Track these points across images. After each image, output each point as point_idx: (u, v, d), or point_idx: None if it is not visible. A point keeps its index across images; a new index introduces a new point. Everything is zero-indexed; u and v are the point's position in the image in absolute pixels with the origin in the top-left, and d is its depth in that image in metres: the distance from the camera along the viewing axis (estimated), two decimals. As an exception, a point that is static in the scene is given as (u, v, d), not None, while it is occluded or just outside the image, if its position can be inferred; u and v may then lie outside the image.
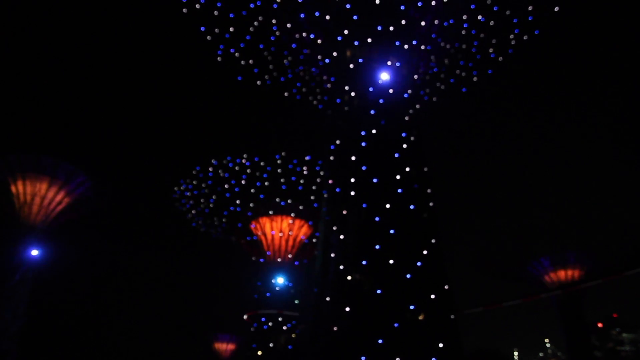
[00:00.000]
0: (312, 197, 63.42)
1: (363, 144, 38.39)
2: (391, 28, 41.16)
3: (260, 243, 67.48)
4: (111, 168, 73.35)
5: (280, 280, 65.86)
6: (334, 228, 37.50)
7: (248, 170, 64.22)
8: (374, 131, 38.61)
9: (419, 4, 41.77)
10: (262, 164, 63.85)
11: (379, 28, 40.98)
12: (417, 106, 41.91)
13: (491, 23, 46.08)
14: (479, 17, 45.29)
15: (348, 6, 41.34)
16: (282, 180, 64.04)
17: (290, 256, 67.30)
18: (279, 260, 66.79)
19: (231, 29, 46.34)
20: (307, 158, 63.93)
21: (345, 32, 41.66)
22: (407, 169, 37.93)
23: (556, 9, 46.38)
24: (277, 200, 65.19)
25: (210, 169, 65.83)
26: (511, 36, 47.80)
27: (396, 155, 38.10)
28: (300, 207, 65.70)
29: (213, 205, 68.77)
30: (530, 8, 45.66)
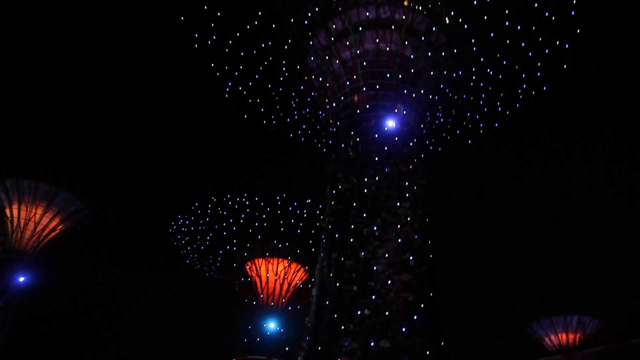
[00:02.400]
0: (310, 242, 62.19)
1: (365, 190, 37.64)
2: (400, 76, 41.11)
3: (254, 285, 65.97)
4: (110, 197, 72.53)
5: (271, 325, 63.95)
6: (331, 275, 36.35)
7: (247, 210, 63.33)
8: (376, 178, 37.92)
9: (429, 53, 41.82)
10: (261, 204, 63.02)
11: (388, 75, 40.92)
12: (422, 155, 41.38)
13: (499, 77, 46.03)
14: (488, 70, 45.27)
15: (357, 52, 41.46)
16: (280, 222, 63.04)
17: (284, 301, 65.60)
18: (272, 304, 65.09)
19: (241, 67, 46.39)
20: (307, 201, 63.12)
21: (354, 77, 41.65)
22: (408, 219, 37.05)
23: (564, 66, 46.43)
24: (275, 242, 64.04)
25: (209, 205, 64.94)
26: (519, 90, 47.66)
27: (397, 204, 37.28)
28: (298, 251, 64.46)
29: (209, 242, 67.57)
30: (539, 64, 45.65)
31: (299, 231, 63.11)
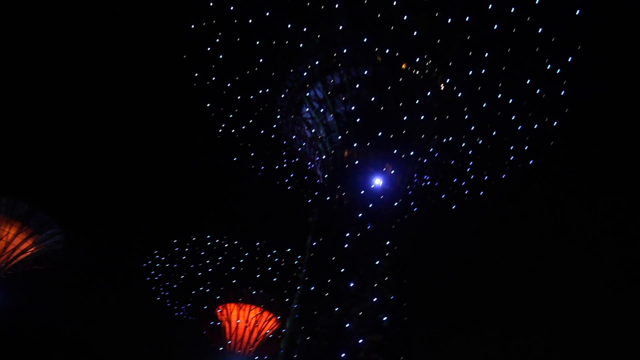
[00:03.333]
0: (285, 292, 61.21)
1: (345, 246, 37.35)
2: (391, 136, 41.61)
3: (223, 330, 64.31)
4: (88, 224, 71.16)
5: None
6: (302, 327, 35.54)
7: (225, 253, 62.46)
8: (358, 235, 37.71)
9: (422, 117, 42.55)
10: (240, 248, 62.24)
11: (380, 134, 41.41)
12: (406, 216, 41.44)
13: (488, 147, 46.84)
14: (478, 139, 46.09)
15: (352, 108, 42.03)
16: (257, 268, 62.14)
17: (252, 349, 63.86)
18: (239, 351, 63.30)
19: (236, 110, 46.79)
20: (287, 250, 62.50)
21: (346, 132, 42.07)
22: (386, 279, 36.68)
23: (551, 142, 47.56)
24: (249, 288, 62.93)
25: (188, 243, 63.99)
26: (506, 162, 48.49)
27: (377, 262, 36.99)
28: (271, 300, 63.31)
29: (182, 281, 66.21)
30: (527, 138, 46.65)
31: (274, 280, 62.22)
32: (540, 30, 39.58)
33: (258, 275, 62.24)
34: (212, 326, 65.54)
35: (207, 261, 63.24)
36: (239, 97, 45.75)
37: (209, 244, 62.97)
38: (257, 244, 62.12)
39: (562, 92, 43.41)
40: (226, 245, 62.48)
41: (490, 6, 38.39)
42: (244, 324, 63.78)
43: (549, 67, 41.72)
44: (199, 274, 64.12)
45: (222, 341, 64.22)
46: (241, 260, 62.01)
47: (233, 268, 62.18)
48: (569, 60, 41.70)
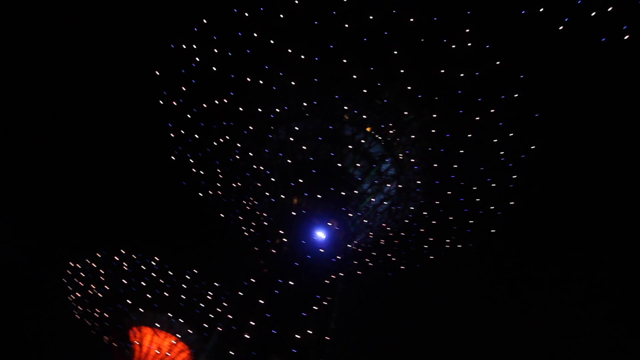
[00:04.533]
0: (205, 325, 59.50)
1: (276, 291, 37.07)
2: (343, 193, 42.22)
3: (131, 353, 61.54)
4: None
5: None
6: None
7: (153, 274, 60.51)
8: (290, 283, 37.54)
9: (375, 181, 43.46)
10: (170, 272, 60.51)
11: (332, 189, 41.94)
12: (341, 274, 41.58)
13: (433, 222, 47.98)
14: (424, 213, 47.22)
15: (311, 158, 42.57)
16: (183, 296, 60.33)
17: (156, 378, 61.23)
18: (142, 377, 60.58)
19: (196, 136, 46.46)
20: (216, 284, 61.18)
21: (300, 180, 42.41)
22: (310, 332, 36.42)
23: (492, 230, 49.08)
24: (170, 315, 60.82)
25: (117, 257, 61.78)
26: (447, 241, 49.68)
27: (304, 314, 36.78)
28: (189, 331, 61.30)
29: (102, 295, 63.42)
30: (471, 221, 48.02)
31: (197, 311, 60.50)
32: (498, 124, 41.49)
33: (182, 304, 60.42)
34: (121, 347, 62.67)
35: (133, 279, 61.04)
36: (202, 124, 45.54)
37: (138, 262, 61.01)
38: (187, 272, 60.64)
39: (511, 185, 45.18)
40: (156, 267, 60.65)
41: (460, 91, 40.12)
42: (155, 350, 61.26)
43: (502, 159, 43.50)
44: (121, 290, 61.66)
45: (127, 364, 61.37)
46: (167, 286, 60.15)
47: (157, 291, 60.15)
48: (522, 156, 43.64)
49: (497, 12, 36.42)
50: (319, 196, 42.18)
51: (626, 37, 36.50)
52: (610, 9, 35.67)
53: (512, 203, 46.19)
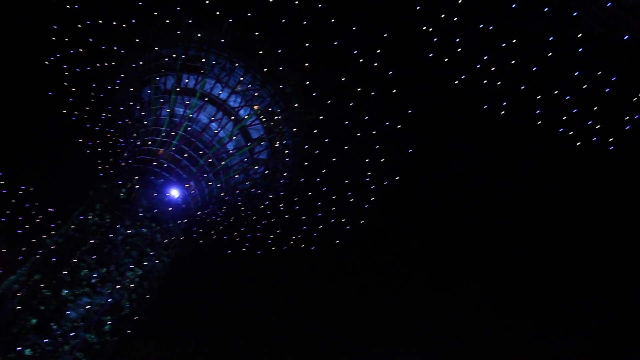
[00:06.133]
0: (25, 249, 54.89)
1: (110, 235, 35.70)
2: (210, 160, 41.79)
3: None
4: None
5: None
6: (18, 294, 32.57)
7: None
8: (129, 232, 36.32)
9: (245, 160, 43.57)
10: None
11: (201, 152, 41.39)
12: (181, 238, 40.88)
13: (286, 216, 49.14)
14: (281, 205, 48.18)
15: (192, 115, 41.73)
16: (7, 212, 55.16)
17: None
18: None
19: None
20: (50, 210, 56.80)
21: (173, 134, 41.30)
22: (132, 286, 35.60)
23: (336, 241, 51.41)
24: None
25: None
26: (292, 237, 51.18)
27: (131, 266, 35.85)
28: (2, 250, 56.22)
29: None
30: (320, 227, 49.91)
31: (19, 232, 55.72)
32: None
33: (3, 219, 55.32)
34: None
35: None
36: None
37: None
38: (22, 188, 55.67)
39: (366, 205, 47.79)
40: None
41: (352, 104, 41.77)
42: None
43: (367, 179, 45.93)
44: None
45: None
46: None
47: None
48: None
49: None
50: (185, 155, 41.28)
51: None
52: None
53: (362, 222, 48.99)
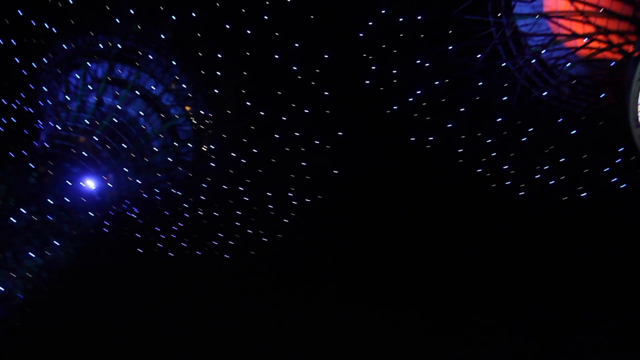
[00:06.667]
0: None
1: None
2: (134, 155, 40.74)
3: None
4: None
5: None
6: None
7: None
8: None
9: (169, 158, 42.78)
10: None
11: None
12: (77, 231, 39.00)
13: (204, 221, 48.48)
14: (200, 210, 47.52)
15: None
16: None
17: None
18: None
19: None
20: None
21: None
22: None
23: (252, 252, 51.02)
24: None
25: None
26: (207, 243, 50.43)
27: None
28: None
29: None
30: (237, 235, 49.50)
31: None
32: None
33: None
34: None
35: None
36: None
37: None
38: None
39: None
40: None
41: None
42: None
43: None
44: None
45: None
46: None
47: None
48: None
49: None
50: (107, 146, 39.95)
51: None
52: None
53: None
